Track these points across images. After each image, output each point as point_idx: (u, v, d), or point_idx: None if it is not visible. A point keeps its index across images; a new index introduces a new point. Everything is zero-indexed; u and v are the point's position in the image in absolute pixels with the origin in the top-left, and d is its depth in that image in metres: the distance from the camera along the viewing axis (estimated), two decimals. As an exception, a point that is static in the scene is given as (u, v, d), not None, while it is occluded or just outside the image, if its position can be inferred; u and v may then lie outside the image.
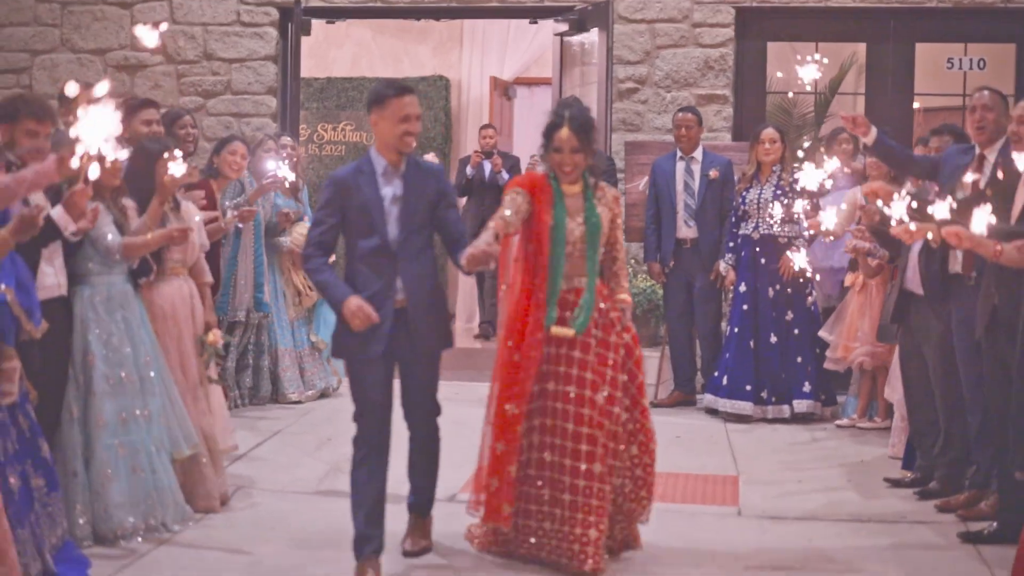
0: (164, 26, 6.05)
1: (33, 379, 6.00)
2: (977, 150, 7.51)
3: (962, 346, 7.43)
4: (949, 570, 6.51)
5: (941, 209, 6.13)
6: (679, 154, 10.54)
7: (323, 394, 10.72)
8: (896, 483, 8.12)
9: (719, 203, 10.48)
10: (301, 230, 10.26)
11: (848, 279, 9.89)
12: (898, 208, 6.62)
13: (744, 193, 10.26)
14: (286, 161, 9.80)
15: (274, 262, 10.37)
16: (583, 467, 6.15)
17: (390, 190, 6.18)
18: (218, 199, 9.10)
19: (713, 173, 10.44)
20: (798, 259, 7.73)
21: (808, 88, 7.01)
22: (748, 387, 10.12)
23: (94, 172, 5.30)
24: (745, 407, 10.10)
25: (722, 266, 10.43)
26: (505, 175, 13.01)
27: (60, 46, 11.75)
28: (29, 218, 5.35)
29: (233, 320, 9.77)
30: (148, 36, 5.81)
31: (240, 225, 9.32)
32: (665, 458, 8.82)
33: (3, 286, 5.60)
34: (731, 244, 10.36)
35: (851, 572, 6.48)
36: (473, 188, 13.74)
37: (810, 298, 10.21)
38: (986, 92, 7.54)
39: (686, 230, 10.49)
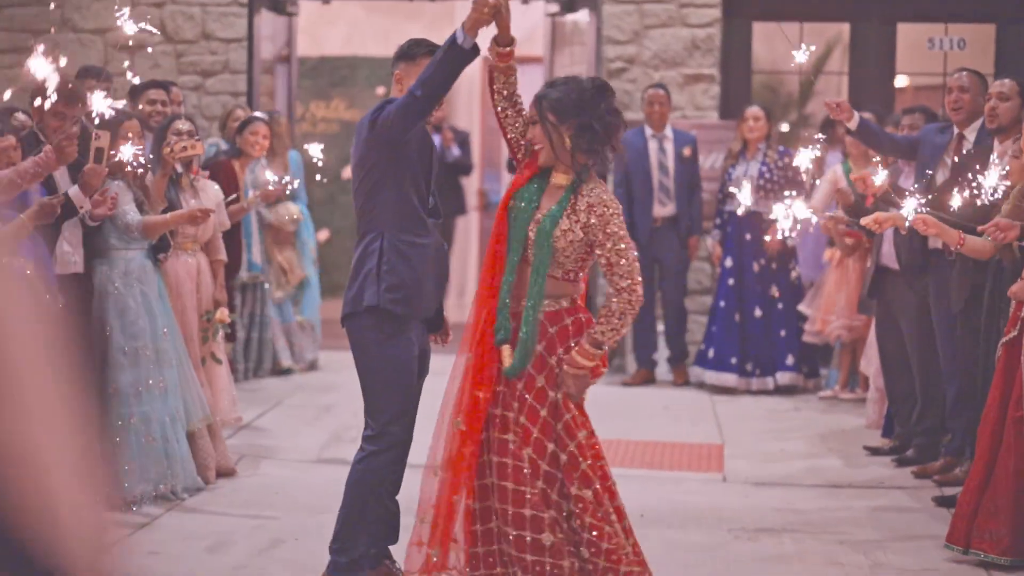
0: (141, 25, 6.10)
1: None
2: (955, 130, 7.76)
3: (939, 319, 7.73)
4: (923, 531, 6.82)
5: (909, 205, 6.34)
6: (649, 131, 10.77)
7: (312, 366, 11.01)
8: (875, 451, 8.44)
9: (689, 179, 10.75)
10: (286, 210, 10.47)
11: (826, 254, 10.20)
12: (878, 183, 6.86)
13: (730, 170, 10.54)
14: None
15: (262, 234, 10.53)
16: (528, 538, 4.90)
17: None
18: (241, 178, 9.22)
19: (687, 151, 10.70)
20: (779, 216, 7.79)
21: (793, 66, 7.24)
22: (733, 360, 10.43)
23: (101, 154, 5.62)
24: (730, 379, 10.41)
25: (709, 242, 10.73)
26: (455, 150, 12.83)
27: (61, 26, 11.94)
28: (48, 206, 5.70)
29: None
30: (128, 28, 5.96)
31: (264, 205, 9.29)
32: (652, 427, 9.18)
33: (25, 260, 5.95)
34: (718, 220, 10.65)
35: (829, 533, 6.79)
36: None
37: (794, 273, 10.51)
38: (964, 73, 7.78)
39: (660, 208, 10.73)
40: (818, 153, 8.15)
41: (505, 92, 5.20)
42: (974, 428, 6.96)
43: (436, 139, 13.01)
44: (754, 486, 7.73)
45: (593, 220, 4.92)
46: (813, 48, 7.30)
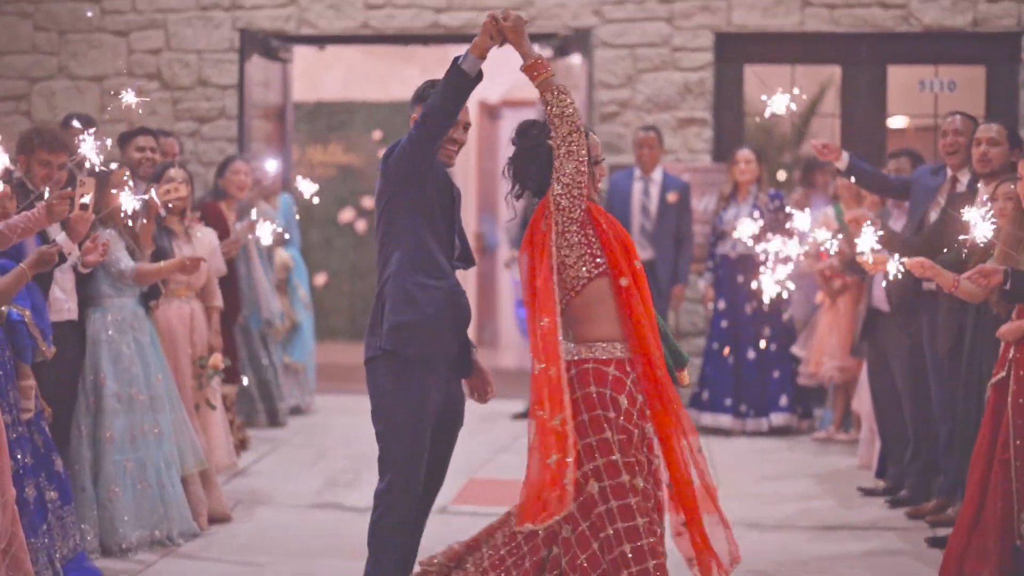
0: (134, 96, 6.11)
1: (45, 398, 6.38)
2: (949, 172, 7.82)
3: (932, 359, 7.77)
4: (913, 573, 6.84)
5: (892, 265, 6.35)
6: (637, 173, 10.79)
7: (297, 410, 11.06)
8: (869, 492, 8.47)
9: (676, 226, 10.69)
10: (279, 257, 10.60)
11: (818, 297, 10.26)
12: (865, 239, 6.86)
13: (722, 212, 10.61)
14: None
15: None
16: None
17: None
18: (229, 220, 9.28)
19: (672, 196, 10.66)
20: (766, 285, 7.83)
21: (782, 113, 7.29)
22: (728, 401, 10.47)
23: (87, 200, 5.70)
24: (725, 420, 10.46)
25: (702, 284, 10.80)
26: None
27: (58, 73, 12.05)
28: (48, 254, 5.79)
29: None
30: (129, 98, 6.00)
31: (251, 236, 9.40)
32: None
33: (21, 307, 6.01)
34: (710, 263, 10.71)
35: (823, 575, 6.81)
36: None
37: (786, 315, 10.57)
38: (957, 117, 7.84)
39: (639, 251, 10.69)
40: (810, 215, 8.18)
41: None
42: (966, 468, 7.00)
43: None
44: (748, 527, 7.73)
45: None
46: (787, 98, 7.35)
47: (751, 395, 10.51)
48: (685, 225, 10.72)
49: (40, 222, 5.72)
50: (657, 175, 10.74)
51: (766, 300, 6.58)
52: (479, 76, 5.26)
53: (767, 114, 7.13)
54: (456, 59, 5.24)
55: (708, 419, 10.50)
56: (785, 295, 7.93)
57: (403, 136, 5.47)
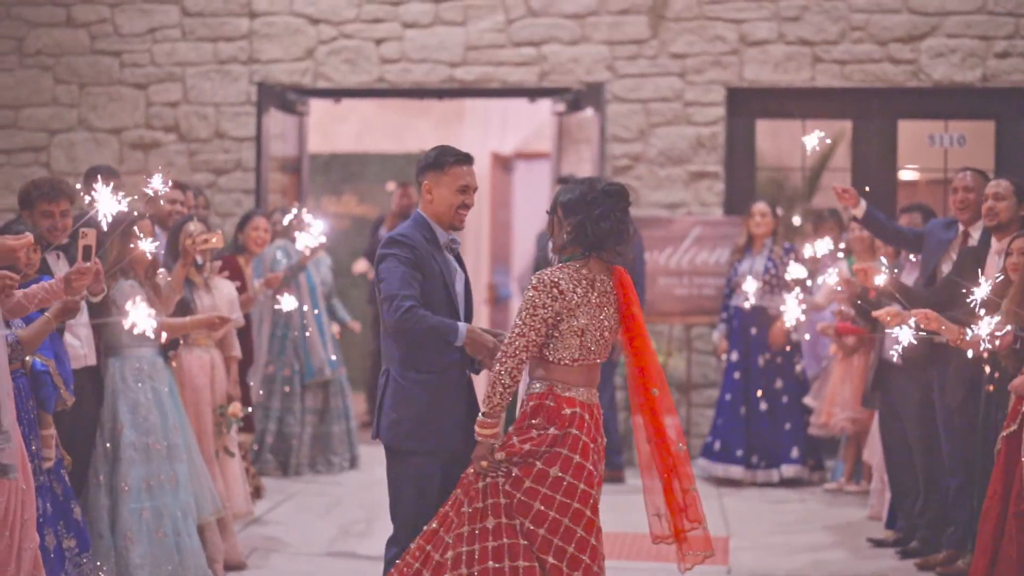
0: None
1: (63, 445, 6.46)
2: (961, 227, 7.91)
3: (943, 411, 7.82)
4: (926, 624, 6.89)
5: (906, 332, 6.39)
6: None
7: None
8: (879, 543, 8.50)
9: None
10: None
11: (831, 348, 10.31)
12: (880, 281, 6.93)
13: (736, 265, 10.69)
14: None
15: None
16: None
17: (450, 265, 5.72)
18: (247, 274, 9.38)
19: None
20: (790, 308, 7.80)
21: (816, 147, 7.36)
22: (739, 452, 10.51)
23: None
24: (736, 471, 10.49)
25: (715, 335, 10.87)
26: None
27: (77, 126, 12.19)
28: (72, 303, 5.83)
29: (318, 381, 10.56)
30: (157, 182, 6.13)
31: (270, 292, 9.45)
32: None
33: (45, 357, 6.09)
34: (724, 315, 10.78)
35: (834, 626, 6.86)
36: None
37: (798, 367, 10.63)
38: (968, 173, 7.95)
39: None
40: (831, 247, 8.25)
41: None
42: (977, 520, 7.03)
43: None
44: (760, 579, 7.78)
45: None
46: (822, 135, 7.47)
47: (763, 446, 10.55)
48: (637, 276, 10.50)
49: (57, 294, 5.80)
50: None
51: (789, 323, 6.60)
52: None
53: (808, 149, 7.21)
54: (454, 334, 5.47)
55: (720, 470, 10.54)
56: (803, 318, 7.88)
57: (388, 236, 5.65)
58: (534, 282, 5.32)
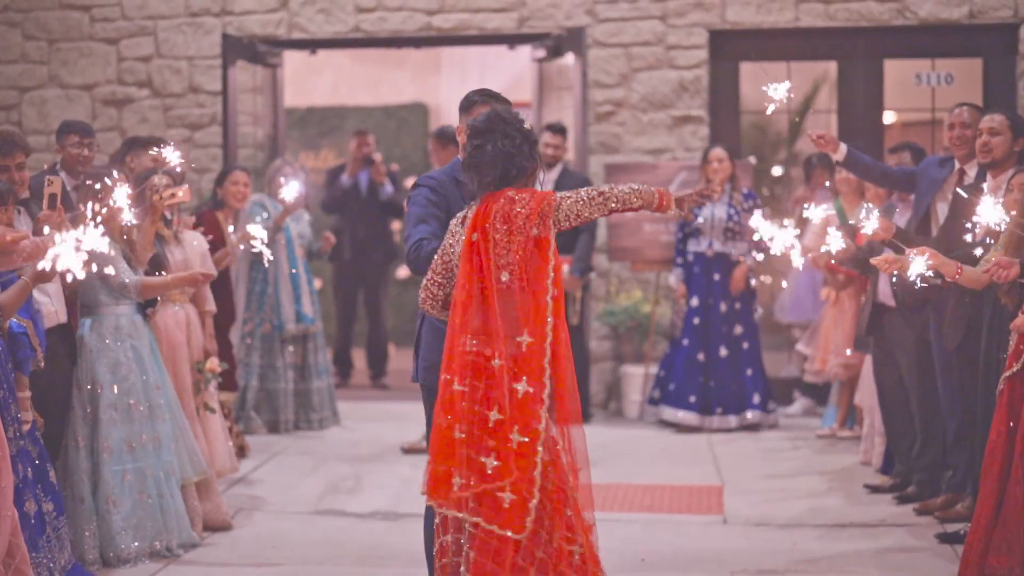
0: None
1: (37, 407, 6.27)
2: (956, 165, 7.73)
3: (939, 354, 7.69)
4: (927, 569, 6.76)
5: (918, 264, 6.19)
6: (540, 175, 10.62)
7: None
8: (875, 488, 8.38)
9: None
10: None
11: (823, 293, 10.19)
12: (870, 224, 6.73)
13: (696, 210, 10.49)
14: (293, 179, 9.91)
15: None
16: None
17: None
18: (225, 229, 9.19)
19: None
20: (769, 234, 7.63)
21: (777, 106, 7.11)
22: (692, 398, 10.46)
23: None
24: (690, 417, 10.44)
25: (672, 280, 10.74)
26: (388, 187, 12.43)
27: (48, 82, 11.95)
28: (41, 248, 5.64)
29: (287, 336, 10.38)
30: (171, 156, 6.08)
31: (243, 247, 9.26)
32: (652, 470, 9.12)
33: (23, 318, 5.93)
34: (679, 260, 10.64)
35: (833, 574, 6.73)
36: (348, 203, 12.57)
37: (756, 314, 10.70)
38: (964, 108, 7.74)
39: None
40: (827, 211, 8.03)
41: None
42: (975, 463, 6.91)
43: (365, 176, 12.43)
44: (755, 527, 7.66)
45: None
46: (789, 87, 7.17)
47: (725, 393, 10.51)
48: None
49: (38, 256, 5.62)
50: (554, 173, 10.60)
51: (776, 251, 6.40)
52: None
53: (769, 107, 6.96)
54: None
55: (672, 415, 10.54)
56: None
57: (425, 174, 5.66)
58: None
